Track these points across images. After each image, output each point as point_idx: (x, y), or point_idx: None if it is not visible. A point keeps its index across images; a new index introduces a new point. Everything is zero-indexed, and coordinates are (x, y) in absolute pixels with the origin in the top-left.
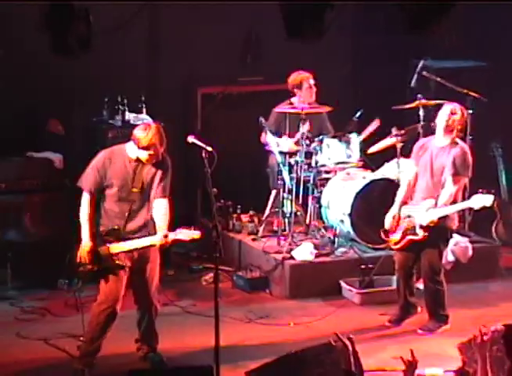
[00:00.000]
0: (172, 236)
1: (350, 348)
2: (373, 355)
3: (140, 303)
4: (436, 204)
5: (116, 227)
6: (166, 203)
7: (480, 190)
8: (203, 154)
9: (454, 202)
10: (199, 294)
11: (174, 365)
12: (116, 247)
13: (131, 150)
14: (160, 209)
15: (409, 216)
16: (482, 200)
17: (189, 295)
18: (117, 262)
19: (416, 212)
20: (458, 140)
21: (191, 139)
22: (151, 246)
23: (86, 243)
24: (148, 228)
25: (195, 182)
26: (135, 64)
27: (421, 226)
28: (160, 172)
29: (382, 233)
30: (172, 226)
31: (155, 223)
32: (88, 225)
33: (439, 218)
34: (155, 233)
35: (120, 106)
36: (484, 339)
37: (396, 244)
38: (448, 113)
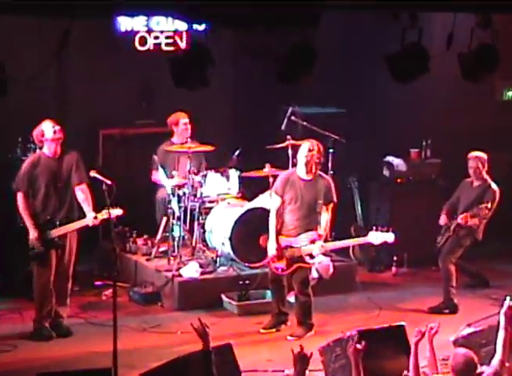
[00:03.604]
0: (100, 216)
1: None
2: (249, 357)
3: (60, 276)
4: (320, 235)
5: (49, 217)
6: (85, 188)
7: (374, 228)
8: (104, 187)
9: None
10: (100, 307)
11: (78, 368)
12: (56, 231)
13: (46, 150)
14: (81, 195)
15: (291, 247)
16: (383, 236)
17: (92, 308)
18: (56, 243)
19: (300, 243)
20: (321, 173)
21: (93, 173)
22: (84, 227)
23: (33, 232)
24: (75, 212)
25: (95, 210)
26: (46, 109)
27: (310, 255)
28: (74, 165)
29: (268, 261)
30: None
31: (81, 207)
32: (31, 218)
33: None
34: (83, 216)
35: (32, 145)
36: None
37: (284, 270)
38: (307, 150)
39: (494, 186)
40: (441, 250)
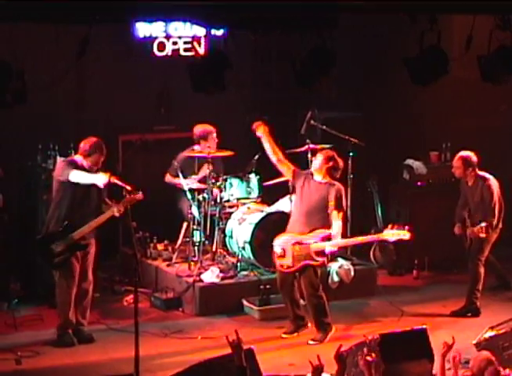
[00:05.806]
0: (121, 206)
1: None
2: (271, 362)
3: (83, 279)
4: (330, 234)
5: (66, 223)
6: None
7: (390, 226)
8: (124, 193)
9: None
10: (121, 313)
11: (100, 374)
12: (78, 233)
13: (84, 162)
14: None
15: (299, 244)
16: (398, 233)
17: (113, 314)
18: (80, 245)
19: (310, 240)
20: (334, 182)
21: (113, 179)
22: (109, 218)
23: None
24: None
25: (116, 216)
26: (66, 116)
27: (319, 253)
28: None
29: (273, 257)
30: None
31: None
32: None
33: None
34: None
35: (52, 152)
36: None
37: (289, 267)
38: (317, 159)
39: (489, 179)
40: (469, 252)
